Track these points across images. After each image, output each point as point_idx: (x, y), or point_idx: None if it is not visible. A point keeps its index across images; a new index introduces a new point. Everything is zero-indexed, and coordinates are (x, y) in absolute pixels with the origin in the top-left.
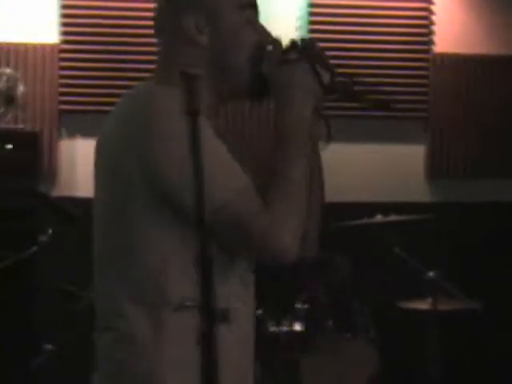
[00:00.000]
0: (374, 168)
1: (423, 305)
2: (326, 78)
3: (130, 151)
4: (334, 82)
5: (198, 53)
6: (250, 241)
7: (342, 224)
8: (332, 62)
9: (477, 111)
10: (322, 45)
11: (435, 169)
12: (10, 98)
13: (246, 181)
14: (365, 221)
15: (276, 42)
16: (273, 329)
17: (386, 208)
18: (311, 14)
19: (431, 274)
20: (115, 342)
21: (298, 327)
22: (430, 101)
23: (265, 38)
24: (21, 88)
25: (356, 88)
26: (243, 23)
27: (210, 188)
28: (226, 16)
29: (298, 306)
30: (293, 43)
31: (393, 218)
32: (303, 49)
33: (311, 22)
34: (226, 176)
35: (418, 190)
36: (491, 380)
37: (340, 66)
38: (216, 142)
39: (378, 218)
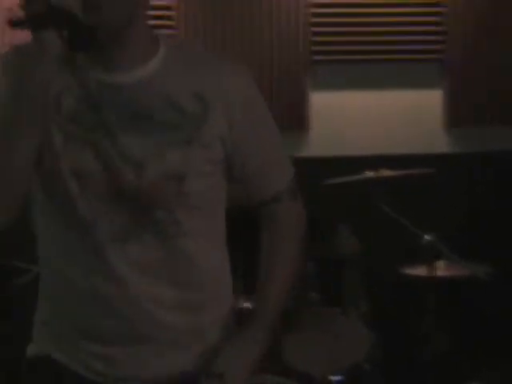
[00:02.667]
0: (385, 117)
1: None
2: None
3: None
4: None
5: None
6: None
7: (337, 180)
8: None
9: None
10: None
11: (454, 116)
12: None
13: None
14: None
15: None
16: (246, 304)
17: (397, 160)
18: None
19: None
20: None
21: None
22: (447, 40)
23: None
24: None
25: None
26: None
27: None
28: None
29: None
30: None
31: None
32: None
33: None
34: None
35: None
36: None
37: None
38: None
39: (370, 173)
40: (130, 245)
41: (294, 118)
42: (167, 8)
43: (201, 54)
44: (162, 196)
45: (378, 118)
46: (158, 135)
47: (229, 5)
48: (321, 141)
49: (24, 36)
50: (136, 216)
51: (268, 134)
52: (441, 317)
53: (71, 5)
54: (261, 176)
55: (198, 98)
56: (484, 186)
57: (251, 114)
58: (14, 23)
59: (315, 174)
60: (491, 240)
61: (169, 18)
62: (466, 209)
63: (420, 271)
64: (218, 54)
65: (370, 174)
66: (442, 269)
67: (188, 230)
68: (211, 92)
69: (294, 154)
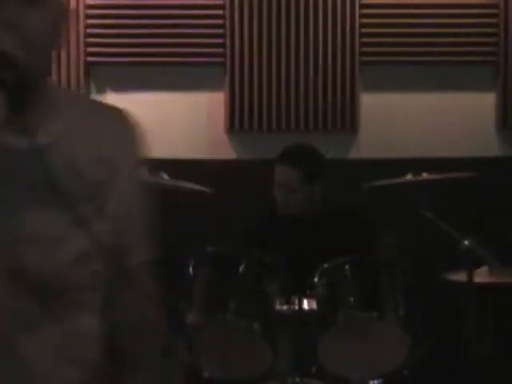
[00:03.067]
0: (437, 120)
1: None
2: None
3: None
4: None
5: None
6: None
7: (382, 182)
8: None
9: None
10: None
11: (508, 118)
12: None
13: None
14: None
15: None
16: (280, 307)
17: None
18: None
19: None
20: None
21: (312, 305)
22: (500, 42)
23: None
24: None
25: None
26: None
27: None
28: None
29: (315, 279)
30: None
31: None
32: None
33: None
34: None
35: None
36: None
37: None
38: None
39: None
40: (36, 331)
41: (344, 119)
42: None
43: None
44: (74, 279)
45: (428, 121)
46: (65, 208)
47: (281, 6)
48: (370, 142)
49: None
50: (41, 300)
51: None
52: (482, 323)
53: None
54: None
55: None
56: None
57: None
58: None
59: (363, 175)
60: None
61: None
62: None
63: (461, 277)
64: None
65: (414, 176)
66: (483, 275)
67: (92, 307)
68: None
69: (343, 157)
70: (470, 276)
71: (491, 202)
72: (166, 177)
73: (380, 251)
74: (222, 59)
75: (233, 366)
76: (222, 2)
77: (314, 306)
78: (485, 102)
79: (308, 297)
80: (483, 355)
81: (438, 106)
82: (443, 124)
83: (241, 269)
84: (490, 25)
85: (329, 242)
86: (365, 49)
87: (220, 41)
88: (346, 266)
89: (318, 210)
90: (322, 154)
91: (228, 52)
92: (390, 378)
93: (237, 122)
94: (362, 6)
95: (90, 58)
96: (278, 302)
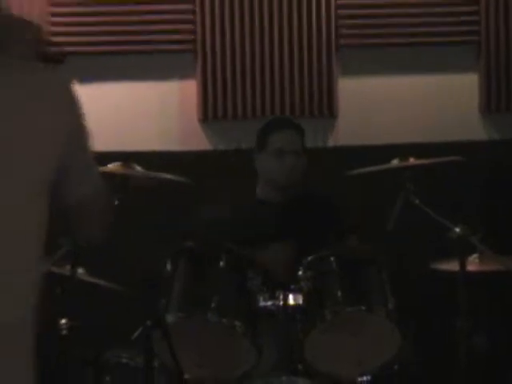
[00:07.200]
0: (418, 103)
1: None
2: None
3: None
4: None
5: None
6: None
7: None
8: None
9: None
10: None
11: (491, 101)
12: None
13: None
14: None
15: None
16: (264, 303)
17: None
18: None
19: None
20: None
21: (298, 300)
22: (481, 20)
23: None
24: None
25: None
26: None
27: None
28: None
29: (300, 272)
30: None
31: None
32: None
33: None
34: None
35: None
36: None
37: None
38: None
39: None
40: None
41: (322, 105)
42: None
43: None
44: None
45: (410, 105)
46: None
47: None
48: (350, 129)
49: None
50: None
51: None
52: (474, 313)
53: None
54: None
55: None
56: None
57: None
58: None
59: (343, 163)
60: None
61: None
62: (501, 199)
63: (452, 266)
64: None
65: (398, 162)
66: (474, 263)
67: None
68: None
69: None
70: (463, 264)
71: (479, 187)
72: (139, 169)
73: (365, 243)
74: (192, 46)
75: (215, 365)
76: None
77: (300, 300)
78: (468, 85)
79: (293, 291)
80: (476, 346)
81: (420, 89)
82: (426, 108)
83: (221, 264)
84: (470, 3)
85: (309, 230)
86: (342, 31)
87: (190, 27)
88: (331, 259)
89: (300, 191)
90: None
91: (199, 38)
92: (380, 373)
93: (210, 110)
94: None
95: None
96: (261, 297)
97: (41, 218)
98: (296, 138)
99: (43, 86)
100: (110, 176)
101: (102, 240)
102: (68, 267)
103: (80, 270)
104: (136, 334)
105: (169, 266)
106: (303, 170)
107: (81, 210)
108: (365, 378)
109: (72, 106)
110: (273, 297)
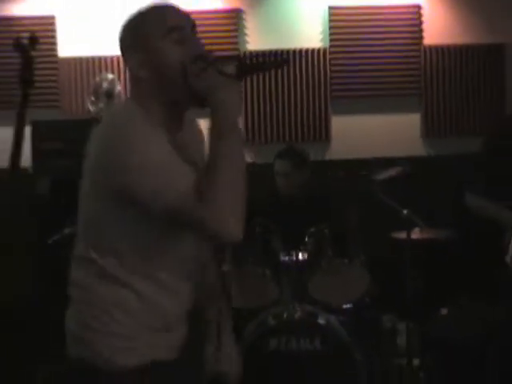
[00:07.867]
0: (381, 132)
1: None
2: (230, 69)
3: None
4: (239, 67)
5: (142, 84)
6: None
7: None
8: None
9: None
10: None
11: (429, 130)
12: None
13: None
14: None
15: (203, 56)
16: (283, 258)
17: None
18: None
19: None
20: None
21: (304, 256)
22: (421, 81)
23: (194, 52)
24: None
25: (252, 61)
26: (171, 45)
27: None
28: (155, 44)
29: (306, 239)
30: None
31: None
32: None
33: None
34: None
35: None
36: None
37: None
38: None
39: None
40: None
41: (321, 133)
42: None
43: None
44: None
45: (377, 134)
46: None
47: None
48: (339, 149)
49: None
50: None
51: None
52: (417, 265)
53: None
54: None
55: None
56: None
57: None
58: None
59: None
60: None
61: None
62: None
63: (402, 235)
64: None
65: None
66: (416, 233)
67: None
68: None
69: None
70: (409, 234)
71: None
72: None
73: (347, 219)
74: None
75: (252, 299)
76: None
77: (306, 256)
78: (414, 120)
79: (302, 250)
80: (417, 286)
81: (383, 124)
82: (387, 134)
83: (256, 232)
84: (414, 73)
85: (310, 214)
86: (334, 87)
87: None
88: (326, 230)
89: (305, 192)
90: (305, 150)
91: None
92: (357, 303)
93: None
94: (332, 64)
95: None
96: (281, 254)
97: None
98: (288, 164)
99: None
100: None
101: None
102: None
103: None
104: None
105: None
106: (299, 182)
107: None
108: (347, 305)
109: None
110: (289, 254)
